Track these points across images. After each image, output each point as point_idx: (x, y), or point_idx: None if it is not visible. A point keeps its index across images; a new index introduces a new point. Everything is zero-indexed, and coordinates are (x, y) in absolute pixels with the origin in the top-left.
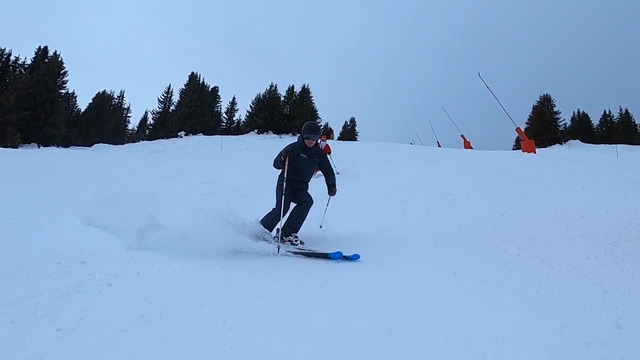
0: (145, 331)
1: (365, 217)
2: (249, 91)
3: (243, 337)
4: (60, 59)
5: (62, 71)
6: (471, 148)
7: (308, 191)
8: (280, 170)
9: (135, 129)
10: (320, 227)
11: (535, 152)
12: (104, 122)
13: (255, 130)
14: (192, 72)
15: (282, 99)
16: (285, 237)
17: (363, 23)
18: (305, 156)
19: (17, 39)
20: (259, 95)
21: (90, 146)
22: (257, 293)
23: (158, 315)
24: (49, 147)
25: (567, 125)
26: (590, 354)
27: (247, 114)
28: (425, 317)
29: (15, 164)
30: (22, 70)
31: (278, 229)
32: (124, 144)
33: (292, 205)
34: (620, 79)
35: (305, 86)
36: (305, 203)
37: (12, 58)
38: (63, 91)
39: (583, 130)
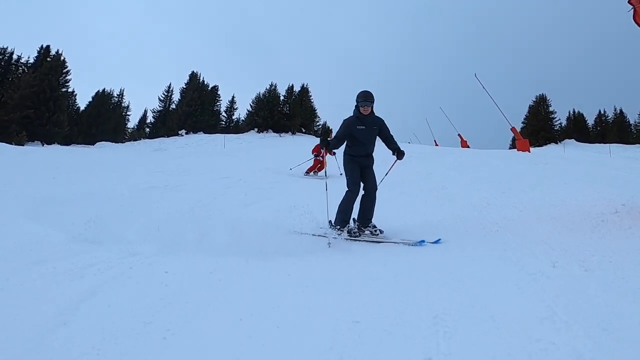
0: (223, 275)
1: None
2: (248, 90)
3: (295, 285)
4: (62, 57)
5: (64, 70)
6: (468, 147)
7: (374, 167)
8: (344, 146)
9: (135, 127)
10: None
11: (529, 151)
12: (104, 121)
13: (255, 129)
14: (193, 71)
15: (282, 98)
16: (364, 227)
17: (363, 22)
18: (363, 127)
19: (18, 38)
20: (259, 95)
21: (92, 144)
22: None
23: (228, 268)
24: (52, 145)
25: (563, 124)
26: (532, 278)
27: (247, 113)
28: (421, 267)
29: (35, 162)
30: (25, 69)
31: (354, 219)
32: (124, 142)
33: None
34: (616, 79)
35: (305, 85)
36: (370, 190)
37: (15, 57)
38: (64, 89)
39: (578, 129)
